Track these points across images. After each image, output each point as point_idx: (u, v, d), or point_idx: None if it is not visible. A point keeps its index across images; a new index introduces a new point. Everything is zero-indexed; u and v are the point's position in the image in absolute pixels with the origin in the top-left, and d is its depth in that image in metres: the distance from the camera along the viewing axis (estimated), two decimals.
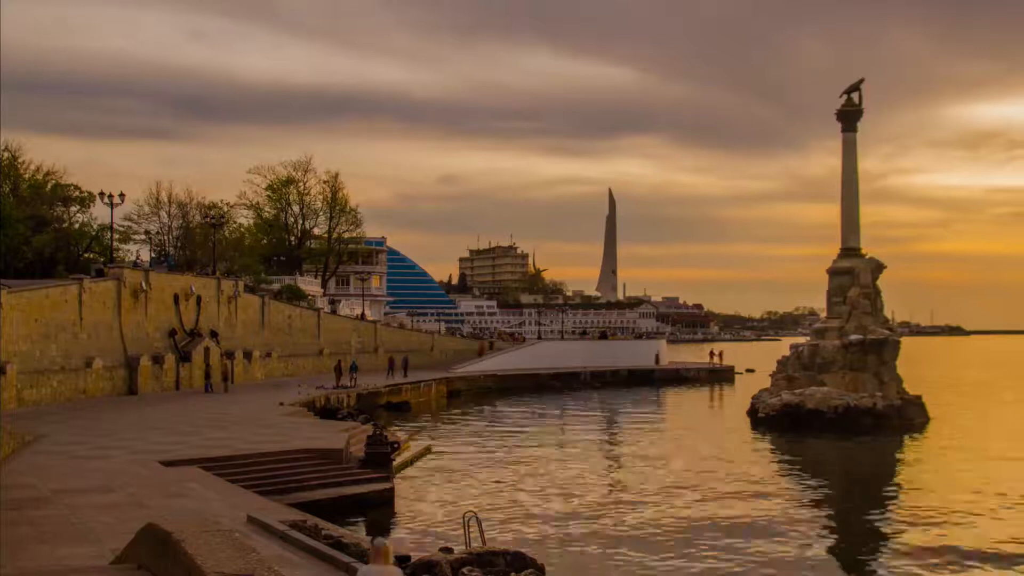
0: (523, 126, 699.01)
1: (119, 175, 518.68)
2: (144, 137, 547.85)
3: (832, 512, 45.00)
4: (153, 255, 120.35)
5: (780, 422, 76.69)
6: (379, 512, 41.06)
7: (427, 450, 62.13)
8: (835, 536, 39.66)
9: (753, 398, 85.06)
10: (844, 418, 75.06)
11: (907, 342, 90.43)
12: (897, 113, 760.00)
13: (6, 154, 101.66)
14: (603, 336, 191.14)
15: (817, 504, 46.47)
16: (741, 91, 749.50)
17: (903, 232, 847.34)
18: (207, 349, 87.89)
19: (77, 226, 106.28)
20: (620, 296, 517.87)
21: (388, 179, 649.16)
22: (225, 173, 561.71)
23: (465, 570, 25.28)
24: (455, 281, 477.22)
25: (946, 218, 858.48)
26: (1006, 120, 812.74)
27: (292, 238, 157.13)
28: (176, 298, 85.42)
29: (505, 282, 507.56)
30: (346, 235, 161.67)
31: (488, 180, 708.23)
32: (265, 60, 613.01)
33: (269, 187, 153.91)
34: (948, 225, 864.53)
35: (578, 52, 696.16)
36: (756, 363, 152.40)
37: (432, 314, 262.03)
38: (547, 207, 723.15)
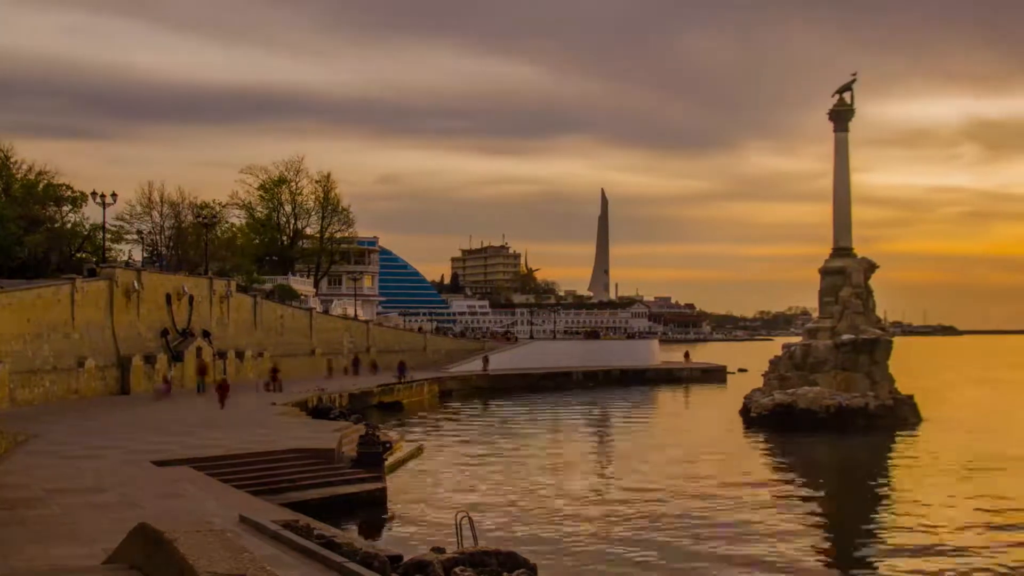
0: (453, 125, 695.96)
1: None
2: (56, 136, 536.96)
3: (824, 512, 45.05)
4: (145, 255, 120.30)
5: (772, 422, 76.71)
6: (371, 512, 41.08)
7: (419, 450, 62.15)
8: (827, 535, 39.73)
9: (745, 398, 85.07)
10: (836, 418, 75.13)
11: (898, 342, 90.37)
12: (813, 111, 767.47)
13: None
14: (594, 335, 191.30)
15: (809, 504, 46.51)
16: (659, 89, 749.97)
17: (868, 232, 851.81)
18: (199, 349, 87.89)
19: (69, 226, 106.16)
20: (612, 296, 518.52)
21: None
22: (137, 174, 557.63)
23: (457, 570, 25.30)
24: (447, 281, 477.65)
25: (901, 217, 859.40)
26: (941, 119, 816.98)
27: (284, 238, 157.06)
28: (168, 298, 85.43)
29: (497, 282, 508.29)
30: (338, 235, 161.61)
31: (431, 180, 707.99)
32: (170, 58, 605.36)
33: (261, 187, 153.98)
34: (910, 224, 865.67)
35: (493, 50, 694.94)
36: (748, 363, 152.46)
37: (424, 314, 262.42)
38: (489, 205, 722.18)
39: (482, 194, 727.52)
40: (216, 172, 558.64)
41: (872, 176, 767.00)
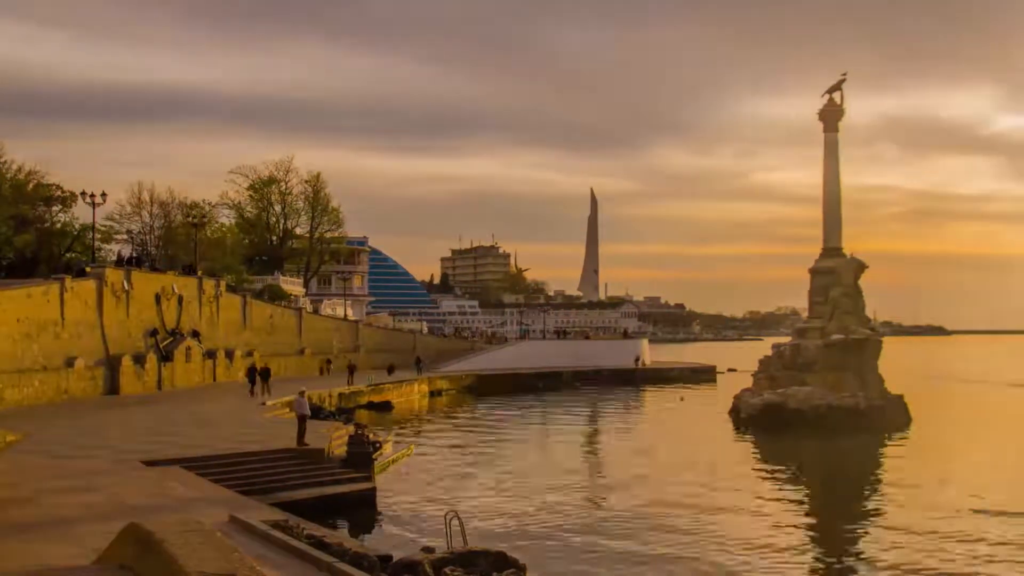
0: (356, 124, 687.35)
1: None
2: None
3: (814, 512, 45.14)
4: (135, 255, 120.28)
5: (762, 422, 76.74)
6: (361, 512, 41.10)
7: (409, 450, 62.15)
8: (816, 536, 39.72)
9: (735, 398, 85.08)
10: (826, 418, 75.09)
11: (887, 342, 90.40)
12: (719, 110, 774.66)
13: None
14: (584, 336, 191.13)
15: (800, 504, 46.60)
16: (554, 88, 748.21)
17: (800, 231, 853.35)
18: (189, 349, 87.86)
19: (59, 226, 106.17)
20: (602, 296, 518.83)
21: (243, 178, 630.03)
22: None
23: (447, 570, 25.31)
24: (437, 281, 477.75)
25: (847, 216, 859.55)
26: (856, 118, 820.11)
27: (274, 238, 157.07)
28: (158, 297, 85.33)
29: (487, 282, 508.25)
30: (328, 235, 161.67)
31: (349, 180, 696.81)
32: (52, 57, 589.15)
33: (251, 187, 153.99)
34: (857, 224, 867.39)
35: (381, 50, 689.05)
36: (738, 363, 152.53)
37: (414, 314, 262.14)
38: (413, 205, 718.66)
39: (402, 194, 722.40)
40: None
41: (797, 174, 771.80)
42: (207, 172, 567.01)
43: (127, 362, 78.54)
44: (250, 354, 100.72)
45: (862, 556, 35.85)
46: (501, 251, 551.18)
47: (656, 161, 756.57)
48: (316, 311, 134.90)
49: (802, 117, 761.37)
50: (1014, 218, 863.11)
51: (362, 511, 41.29)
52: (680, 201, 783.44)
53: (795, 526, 40.91)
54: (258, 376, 79.88)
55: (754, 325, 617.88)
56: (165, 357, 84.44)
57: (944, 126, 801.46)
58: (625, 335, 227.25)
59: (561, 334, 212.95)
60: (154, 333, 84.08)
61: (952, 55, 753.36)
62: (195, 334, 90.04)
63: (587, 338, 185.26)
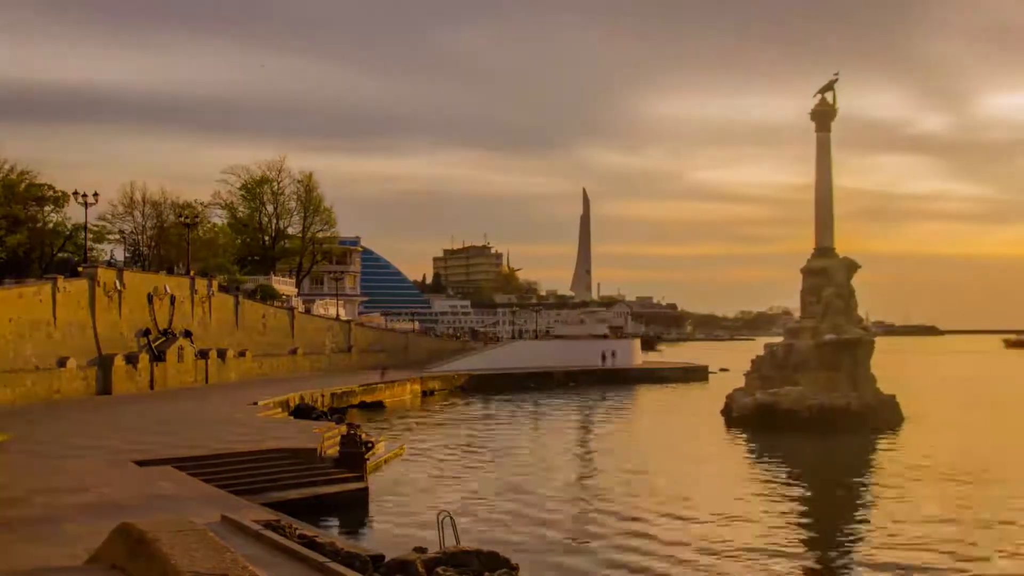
0: (279, 125, 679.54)
1: None
2: None
3: (806, 511, 45.05)
4: (127, 255, 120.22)
5: (754, 422, 76.76)
6: (353, 512, 41.13)
7: (401, 449, 62.15)
8: (808, 537, 39.72)
9: (727, 398, 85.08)
10: (818, 418, 75.09)
11: (881, 342, 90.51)
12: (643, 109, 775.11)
13: None
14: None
15: (791, 504, 46.54)
16: (468, 88, 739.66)
17: (752, 231, 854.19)
18: (181, 349, 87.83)
19: (51, 225, 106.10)
20: (594, 296, 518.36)
21: (173, 178, 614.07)
22: None
23: (439, 570, 25.34)
24: (429, 281, 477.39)
25: (778, 216, 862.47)
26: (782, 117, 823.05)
27: (266, 238, 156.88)
28: (150, 297, 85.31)
29: (479, 282, 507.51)
30: (320, 235, 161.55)
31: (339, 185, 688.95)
32: None
33: (243, 187, 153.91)
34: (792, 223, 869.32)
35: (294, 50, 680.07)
36: (730, 363, 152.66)
37: (406, 314, 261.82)
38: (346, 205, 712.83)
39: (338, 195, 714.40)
40: None
41: (736, 173, 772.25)
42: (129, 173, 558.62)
43: (119, 362, 78.51)
44: (243, 354, 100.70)
45: (853, 555, 35.87)
46: (493, 251, 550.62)
47: (588, 161, 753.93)
48: (308, 311, 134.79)
49: (729, 117, 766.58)
50: (966, 218, 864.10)
51: (354, 511, 41.32)
52: (620, 201, 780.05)
53: (787, 525, 40.92)
54: None
55: (746, 325, 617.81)
56: (157, 357, 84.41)
57: (879, 125, 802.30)
58: (614, 335, 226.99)
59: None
60: (146, 333, 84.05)
61: (866, 55, 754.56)
62: (187, 334, 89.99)
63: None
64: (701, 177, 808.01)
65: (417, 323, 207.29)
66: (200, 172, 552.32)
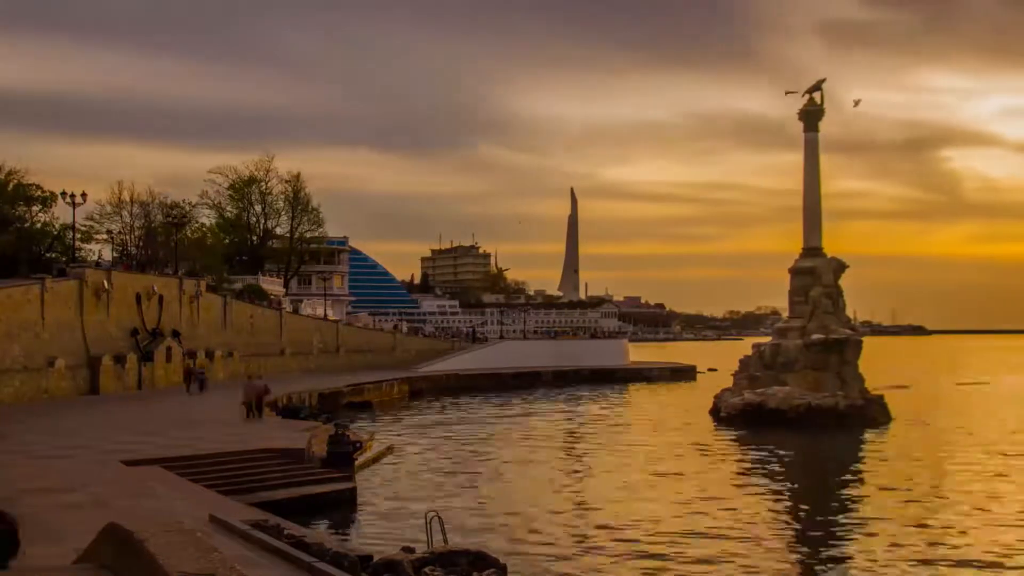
0: (183, 127, 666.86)
1: None
2: None
3: (795, 511, 45.14)
4: (115, 255, 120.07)
5: (742, 421, 76.95)
6: (341, 512, 41.15)
7: (389, 449, 62.22)
8: (796, 536, 39.78)
9: (715, 397, 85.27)
10: (806, 418, 75.29)
11: (868, 342, 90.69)
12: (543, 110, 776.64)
13: None
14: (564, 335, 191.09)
15: (779, 504, 46.62)
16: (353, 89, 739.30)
17: (691, 230, 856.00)
18: (169, 349, 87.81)
19: (39, 225, 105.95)
20: (582, 295, 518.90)
21: (108, 180, 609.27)
22: None
23: (427, 570, 25.35)
24: (417, 281, 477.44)
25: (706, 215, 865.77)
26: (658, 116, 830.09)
27: (254, 237, 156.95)
28: (138, 298, 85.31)
29: (467, 282, 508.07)
30: (308, 235, 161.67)
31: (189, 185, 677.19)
32: None
33: (231, 187, 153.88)
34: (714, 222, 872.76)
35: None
36: (718, 363, 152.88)
37: (394, 314, 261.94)
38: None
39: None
40: None
41: (638, 171, 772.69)
42: None
43: (107, 362, 78.51)
44: (231, 354, 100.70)
45: (841, 553, 35.96)
46: (481, 251, 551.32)
47: (485, 160, 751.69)
48: (296, 311, 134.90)
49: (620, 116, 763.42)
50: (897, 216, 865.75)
51: (342, 511, 41.35)
52: (526, 199, 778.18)
53: (777, 524, 41.02)
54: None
55: (734, 325, 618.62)
56: (145, 357, 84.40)
57: (769, 125, 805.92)
58: (592, 335, 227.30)
59: (551, 334, 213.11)
60: (135, 333, 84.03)
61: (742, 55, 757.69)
62: (175, 334, 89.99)
63: (554, 337, 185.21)
64: (612, 176, 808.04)
65: (404, 323, 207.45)
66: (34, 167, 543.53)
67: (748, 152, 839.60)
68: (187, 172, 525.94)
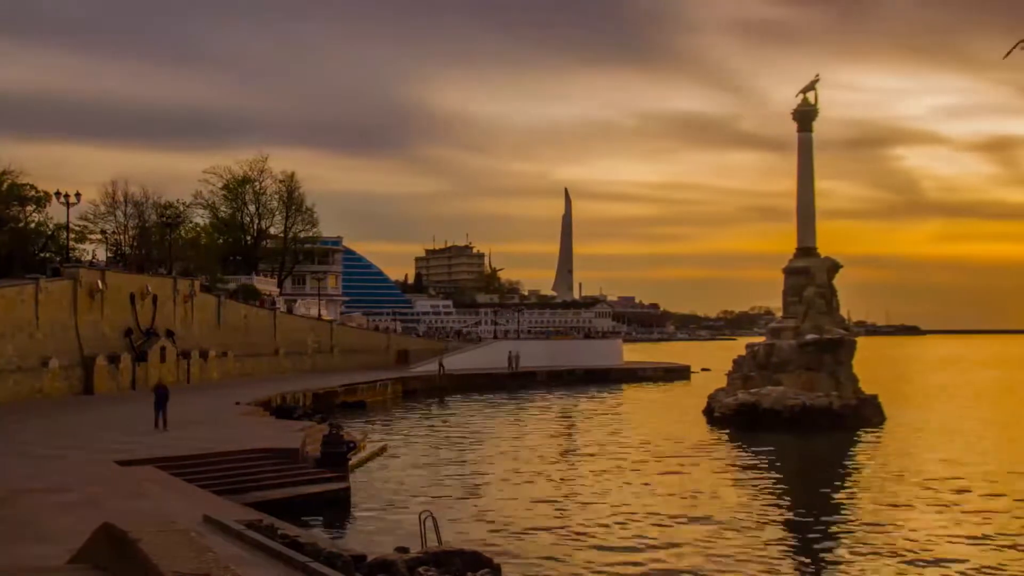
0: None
1: None
2: None
3: (787, 511, 45.15)
4: (109, 255, 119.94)
5: (736, 421, 76.88)
6: (335, 512, 41.17)
7: (383, 449, 62.22)
8: (789, 535, 39.80)
9: (709, 397, 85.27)
10: (800, 418, 75.24)
11: (862, 342, 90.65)
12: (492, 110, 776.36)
13: None
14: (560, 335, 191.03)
15: (772, 503, 46.66)
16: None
17: (649, 230, 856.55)
18: (163, 349, 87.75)
19: (33, 225, 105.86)
20: (576, 295, 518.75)
21: (59, 180, 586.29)
22: None
23: (421, 570, 25.39)
24: (411, 281, 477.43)
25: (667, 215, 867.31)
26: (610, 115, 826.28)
27: (248, 237, 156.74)
28: (132, 298, 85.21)
29: (461, 282, 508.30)
30: (302, 234, 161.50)
31: (160, 183, 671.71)
32: None
33: (225, 187, 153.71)
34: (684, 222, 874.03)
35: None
36: (712, 363, 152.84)
37: (388, 314, 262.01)
38: None
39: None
40: None
41: (591, 171, 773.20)
42: None
43: (101, 362, 78.45)
44: (225, 354, 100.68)
45: (834, 553, 36.00)
46: (475, 251, 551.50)
47: (434, 159, 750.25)
48: (290, 311, 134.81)
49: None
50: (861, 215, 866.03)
51: (336, 511, 41.37)
52: (479, 198, 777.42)
53: (771, 524, 41.03)
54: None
55: (728, 325, 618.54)
56: (139, 357, 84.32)
57: (711, 123, 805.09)
58: (586, 335, 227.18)
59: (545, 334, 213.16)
60: (128, 333, 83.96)
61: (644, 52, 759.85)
62: (169, 334, 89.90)
63: (547, 337, 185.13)
64: (564, 176, 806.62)
65: (398, 323, 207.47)
66: None
67: (698, 151, 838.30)
68: (138, 172, 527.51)
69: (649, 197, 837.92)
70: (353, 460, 51.33)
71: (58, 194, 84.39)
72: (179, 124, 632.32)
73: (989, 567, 33.66)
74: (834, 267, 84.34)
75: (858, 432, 72.98)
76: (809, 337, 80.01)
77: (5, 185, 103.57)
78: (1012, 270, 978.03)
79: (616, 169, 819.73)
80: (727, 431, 74.64)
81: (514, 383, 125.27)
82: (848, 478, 55.71)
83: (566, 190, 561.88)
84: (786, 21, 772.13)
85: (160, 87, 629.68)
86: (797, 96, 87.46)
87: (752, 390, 79.59)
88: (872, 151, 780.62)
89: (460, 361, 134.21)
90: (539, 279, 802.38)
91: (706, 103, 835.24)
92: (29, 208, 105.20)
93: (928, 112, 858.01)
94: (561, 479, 54.08)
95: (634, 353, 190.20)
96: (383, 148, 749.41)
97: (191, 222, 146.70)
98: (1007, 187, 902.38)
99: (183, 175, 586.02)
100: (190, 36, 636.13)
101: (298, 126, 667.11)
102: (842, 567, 34.00)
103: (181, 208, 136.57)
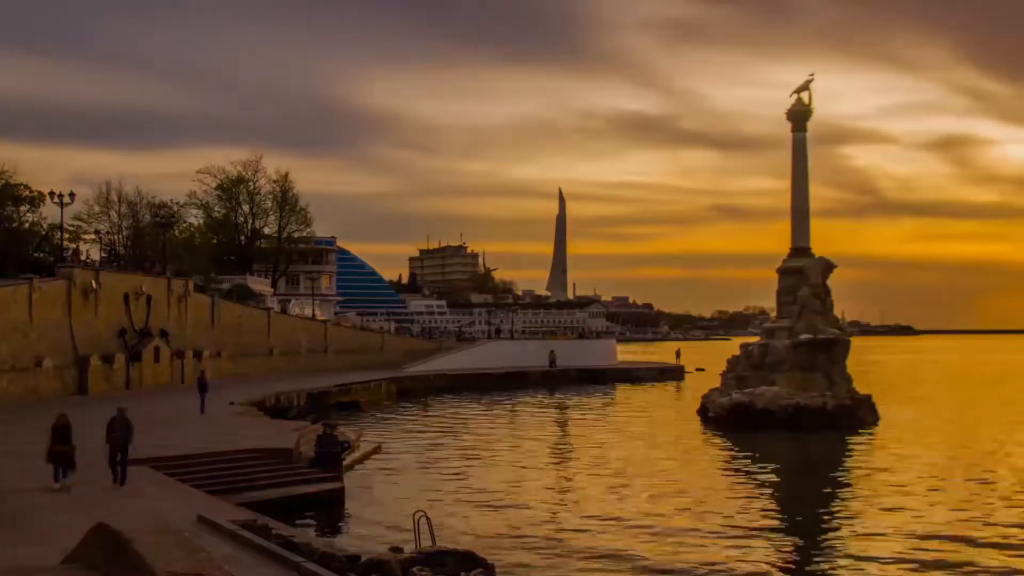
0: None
1: None
2: None
3: (781, 512, 45.19)
4: (103, 255, 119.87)
5: (730, 422, 76.82)
6: (329, 512, 41.14)
7: (377, 449, 62.21)
8: (783, 536, 39.78)
9: (703, 397, 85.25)
10: (794, 418, 75.17)
11: (856, 342, 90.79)
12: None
13: None
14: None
15: (766, 503, 46.71)
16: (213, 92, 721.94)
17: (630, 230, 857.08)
18: (157, 349, 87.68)
19: (27, 225, 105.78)
20: (570, 295, 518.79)
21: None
22: None
23: (415, 570, 25.37)
24: (405, 280, 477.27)
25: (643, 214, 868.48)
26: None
27: (242, 237, 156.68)
28: (126, 298, 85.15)
29: (455, 282, 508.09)
30: (296, 234, 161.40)
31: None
32: None
33: (219, 186, 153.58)
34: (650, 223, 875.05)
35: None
36: (706, 363, 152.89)
37: (382, 314, 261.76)
38: None
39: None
40: None
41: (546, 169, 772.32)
42: None
43: (95, 362, 78.37)
44: (219, 354, 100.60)
45: (828, 553, 36.01)
46: (469, 251, 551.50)
47: (379, 159, 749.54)
48: (284, 311, 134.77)
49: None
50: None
51: (331, 511, 41.34)
52: (433, 198, 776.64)
53: (764, 524, 41.03)
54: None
55: (722, 325, 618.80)
56: (134, 357, 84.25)
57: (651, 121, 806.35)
58: (581, 336, 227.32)
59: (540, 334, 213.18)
60: (123, 333, 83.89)
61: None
62: (164, 334, 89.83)
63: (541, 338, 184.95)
64: (519, 175, 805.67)
65: (392, 323, 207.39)
66: None
67: (646, 150, 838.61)
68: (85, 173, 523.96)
69: (606, 197, 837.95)
70: (347, 460, 51.34)
71: (52, 194, 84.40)
72: (110, 124, 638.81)
73: (987, 566, 33.72)
74: (828, 267, 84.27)
75: (852, 432, 72.98)
76: (803, 337, 79.98)
77: None
78: (981, 269, 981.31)
79: (566, 168, 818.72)
80: (721, 432, 74.59)
81: (508, 383, 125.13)
82: (842, 478, 55.66)
83: (560, 190, 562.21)
84: (698, 18, 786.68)
85: (86, 87, 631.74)
86: (791, 96, 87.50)
87: (746, 390, 79.56)
88: (824, 149, 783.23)
89: (454, 361, 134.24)
90: (532, 278, 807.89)
91: (643, 103, 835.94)
92: (23, 208, 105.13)
93: (874, 111, 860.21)
94: (555, 479, 54.13)
95: (628, 353, 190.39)
96: (324, 148, 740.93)
97: (185, 222, 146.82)
98: (965, 187, 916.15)
99: (126, 177, 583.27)
100: (122, 35, 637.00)
101: (237, 127, 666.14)
102: (837, 567, 34.02)
103: (175, 208, 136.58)
